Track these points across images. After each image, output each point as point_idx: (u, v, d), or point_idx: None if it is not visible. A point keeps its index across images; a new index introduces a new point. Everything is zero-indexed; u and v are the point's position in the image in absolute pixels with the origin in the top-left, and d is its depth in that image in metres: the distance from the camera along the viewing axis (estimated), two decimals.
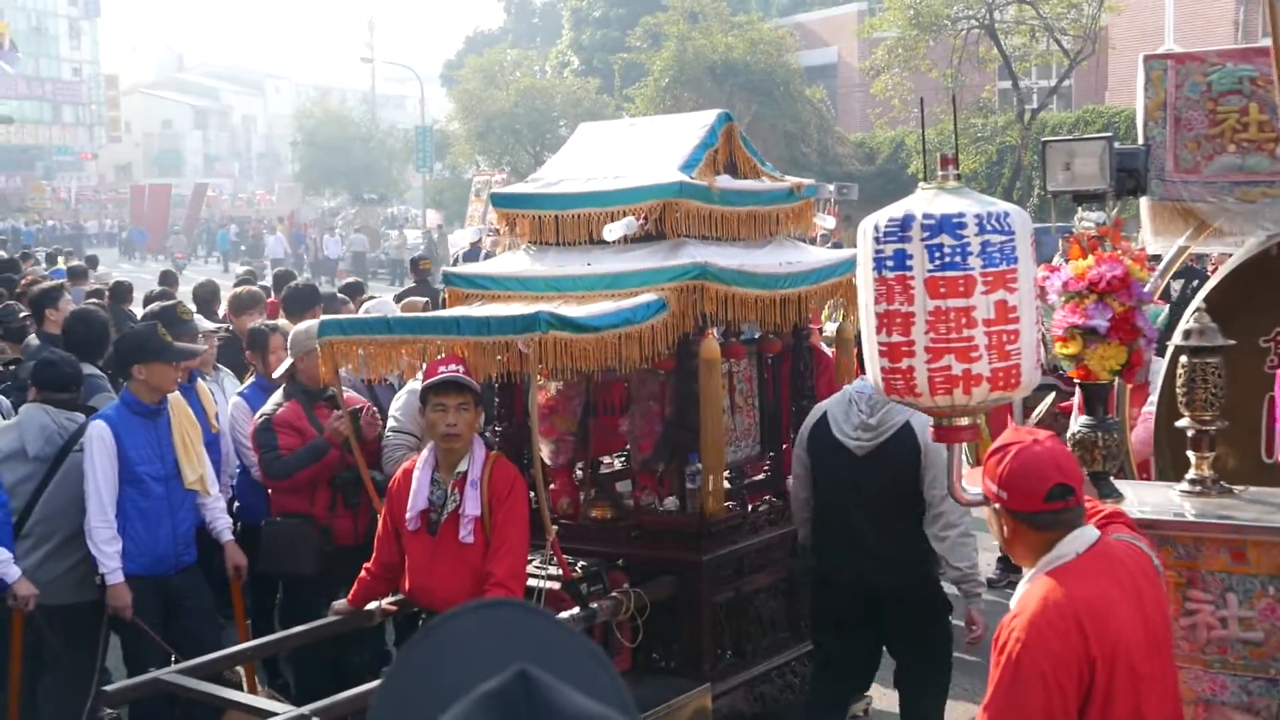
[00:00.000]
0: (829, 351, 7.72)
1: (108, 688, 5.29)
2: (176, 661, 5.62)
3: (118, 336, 7.13)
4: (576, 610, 5.48)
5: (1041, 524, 3.40)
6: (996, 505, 3.47)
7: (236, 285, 12.42)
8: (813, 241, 8.83)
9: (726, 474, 5.97)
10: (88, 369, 6.87)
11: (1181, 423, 4.69)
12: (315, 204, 56.78)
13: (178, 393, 6.47)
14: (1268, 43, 4.40)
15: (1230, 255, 5.70)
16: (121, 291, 13.51)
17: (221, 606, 6.85)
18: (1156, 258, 5.75)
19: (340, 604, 5.79)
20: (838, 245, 13.55)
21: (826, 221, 7.01)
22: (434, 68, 61.93)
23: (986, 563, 8.12)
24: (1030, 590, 3.38)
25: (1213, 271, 7.34)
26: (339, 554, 6.61)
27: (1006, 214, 3.87)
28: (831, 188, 21.41)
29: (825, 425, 5.70)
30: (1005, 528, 3.48)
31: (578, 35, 45.18)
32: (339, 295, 10.69)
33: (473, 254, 17.54)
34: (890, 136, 32.94)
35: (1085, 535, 3.42)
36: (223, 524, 6.64)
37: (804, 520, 5.97)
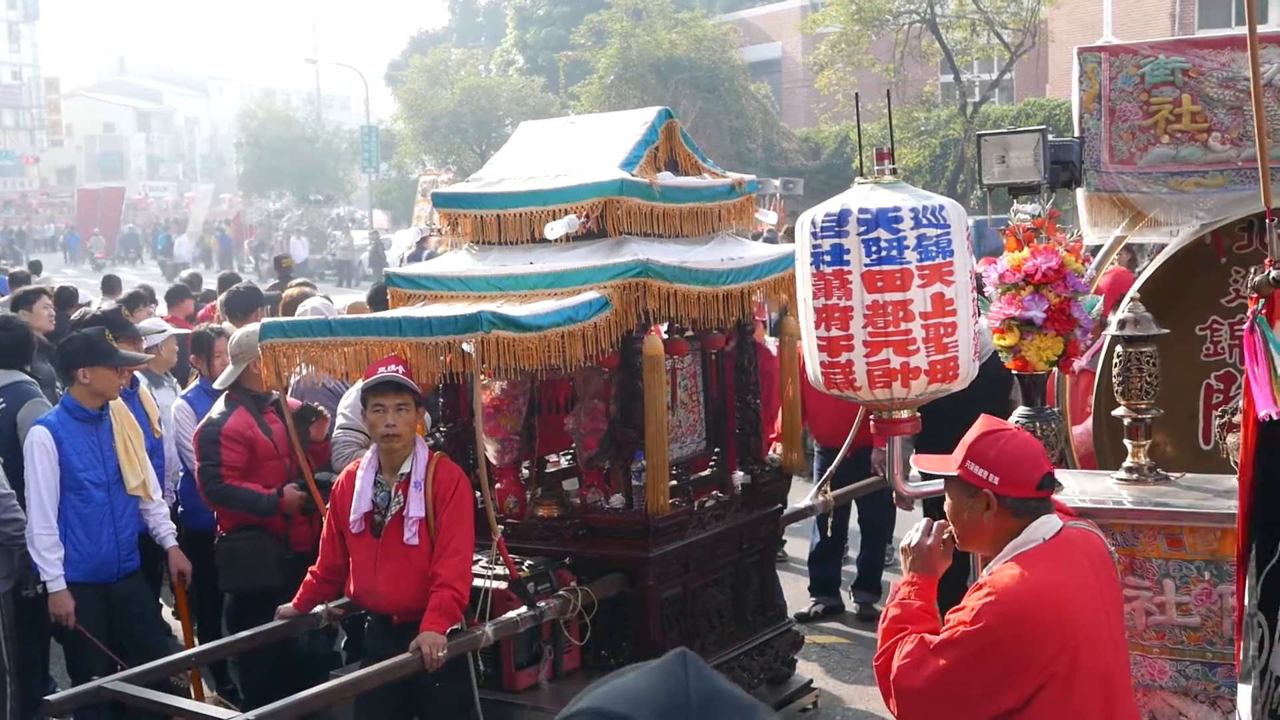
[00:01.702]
0: (772, 346, 7.76)
1: (50, 697, 5.22)
2: (122, 669, 5.56)
3: (64, 340, 7.02)
4: (524, 610, 5.48)
5: (1026, 510, 3.42)
6: (985, 489, 3.42)
7: (174, 289, 12.33)
8: (756, 237, 8.84)
9: (672, 470, 5.98)
10: (17, 375, 6.77)
11: (1118, 411, 4.75)
12: (261, 206, 56.22)
13: (120, 398, 6.41)
14: (1202, 34, 4.46)
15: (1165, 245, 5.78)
16: (66, 297, 13.28)
17: None
18: (1097, 248, 5.82)
19: (286, 608, 5.74)
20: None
21: (768, 217, 7.02)
22: (379, 68, 61.75)
23: None
24: (1000, 571, 3.38)
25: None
26: (297, 561, 6.52)
27: (941, 207, 3.90)
28: (777, 183, 21.44)
29: None
30: (980, 513, 3.45)
31: (522, 34, 45.07)
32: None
33: (419, 254, 17.46)
34: (835, 131, 33.05)
35: (1050, 523, 3.45)
36: (166, 530, 6.57)
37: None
